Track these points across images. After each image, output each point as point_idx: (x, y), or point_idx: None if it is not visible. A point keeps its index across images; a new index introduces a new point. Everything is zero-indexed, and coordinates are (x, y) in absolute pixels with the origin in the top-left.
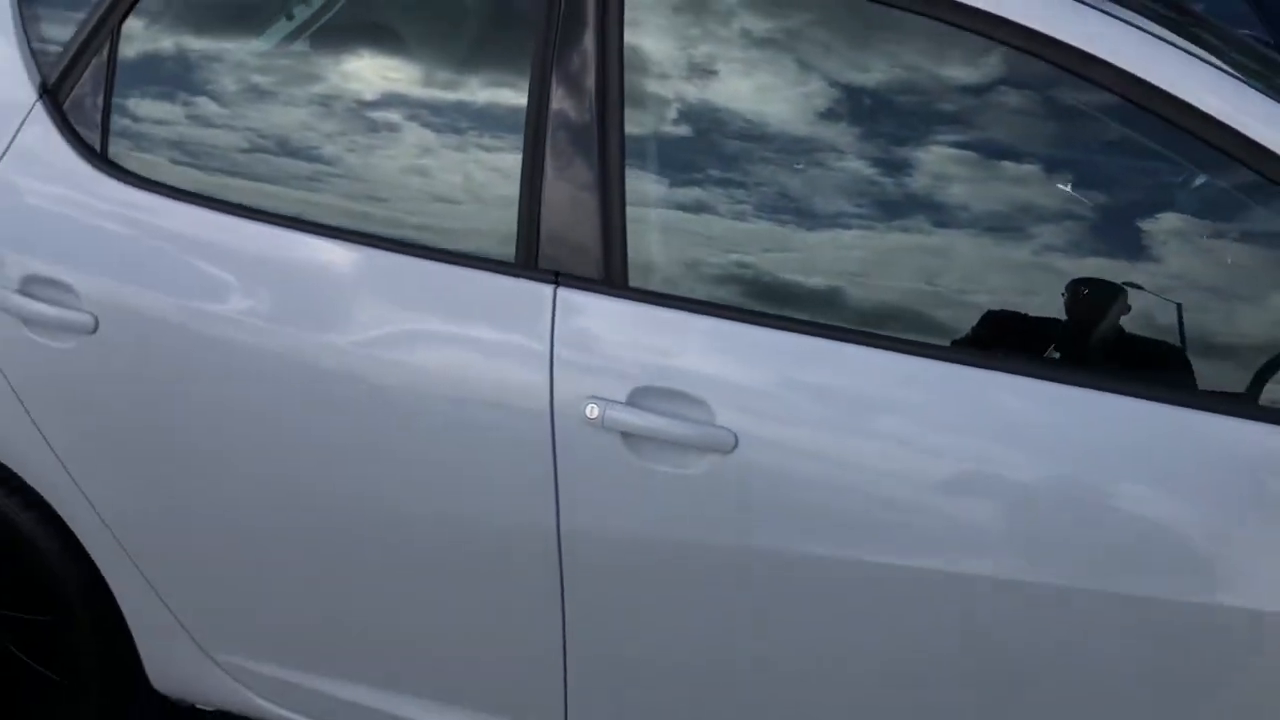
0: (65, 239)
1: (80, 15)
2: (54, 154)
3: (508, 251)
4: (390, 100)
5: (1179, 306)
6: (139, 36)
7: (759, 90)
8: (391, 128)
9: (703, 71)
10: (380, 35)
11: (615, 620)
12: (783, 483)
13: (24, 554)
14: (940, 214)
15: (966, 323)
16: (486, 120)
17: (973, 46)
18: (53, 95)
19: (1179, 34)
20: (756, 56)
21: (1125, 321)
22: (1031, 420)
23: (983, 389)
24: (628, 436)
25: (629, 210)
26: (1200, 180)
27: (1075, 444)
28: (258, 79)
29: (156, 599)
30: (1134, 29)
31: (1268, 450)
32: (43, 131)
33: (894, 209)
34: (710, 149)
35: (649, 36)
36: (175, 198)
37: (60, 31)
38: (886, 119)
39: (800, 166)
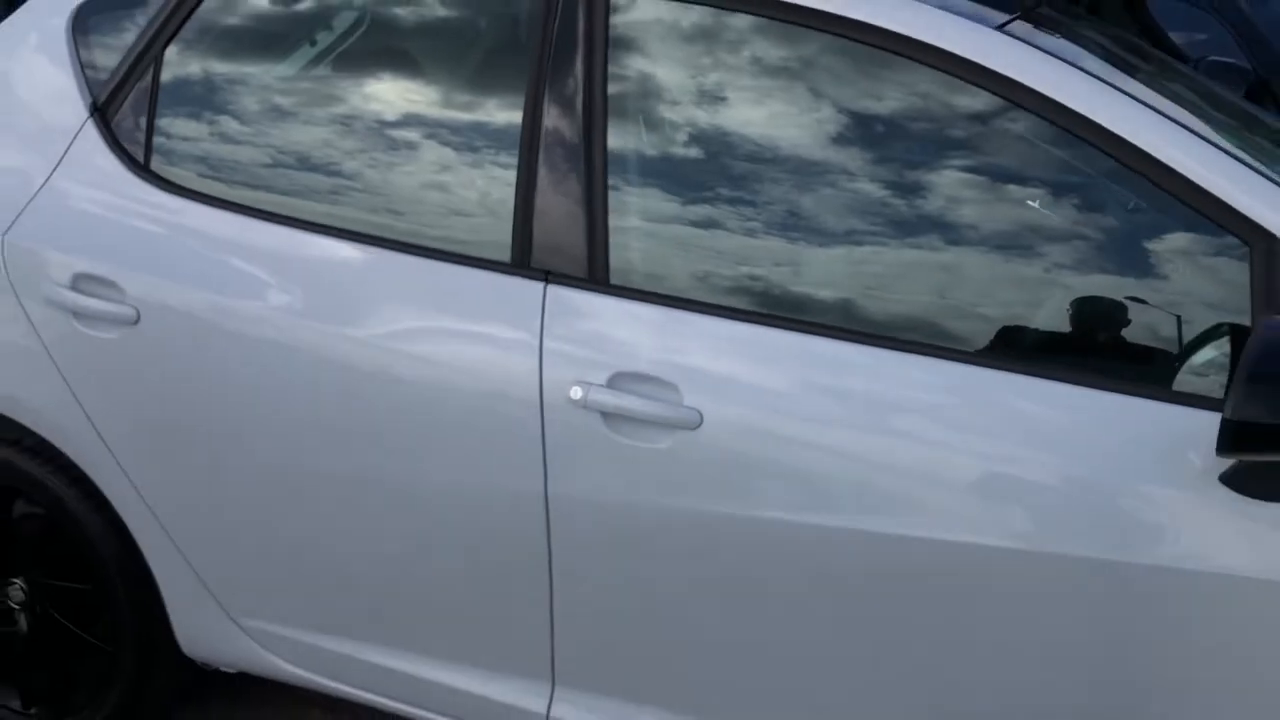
0: (111, 241)
1: (126, 43)
2: (102, 165)
3: (504, 253)
4: (401, 118)
5: (1115, 304)
6: (179, 62)
7: (726, 111)
8: (402, 143)
9: (677, 97)
10: (394, 59)
11: (595, 578)
12: (741, 456)
13: (68, 528)
14: (865, 215)
15: (897, 310)
16: (487, 137)
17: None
18: (102, 114)
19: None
20: (725, 82)
21: (1057, 318)
22: (965, 401)
23: (913, 370)
24: (607, 415)
25: (610, 217)
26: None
27: (1015, 421)
28: (283, 100)
29: (187, 568)
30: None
31: (1183, 429)
32: (92, 146)
33: (830, 213)
34: (683, 164)
35: (630, 65)
36: (209, 204)
37: (108, 58)
38: (825, 134)
39: (762, 182)
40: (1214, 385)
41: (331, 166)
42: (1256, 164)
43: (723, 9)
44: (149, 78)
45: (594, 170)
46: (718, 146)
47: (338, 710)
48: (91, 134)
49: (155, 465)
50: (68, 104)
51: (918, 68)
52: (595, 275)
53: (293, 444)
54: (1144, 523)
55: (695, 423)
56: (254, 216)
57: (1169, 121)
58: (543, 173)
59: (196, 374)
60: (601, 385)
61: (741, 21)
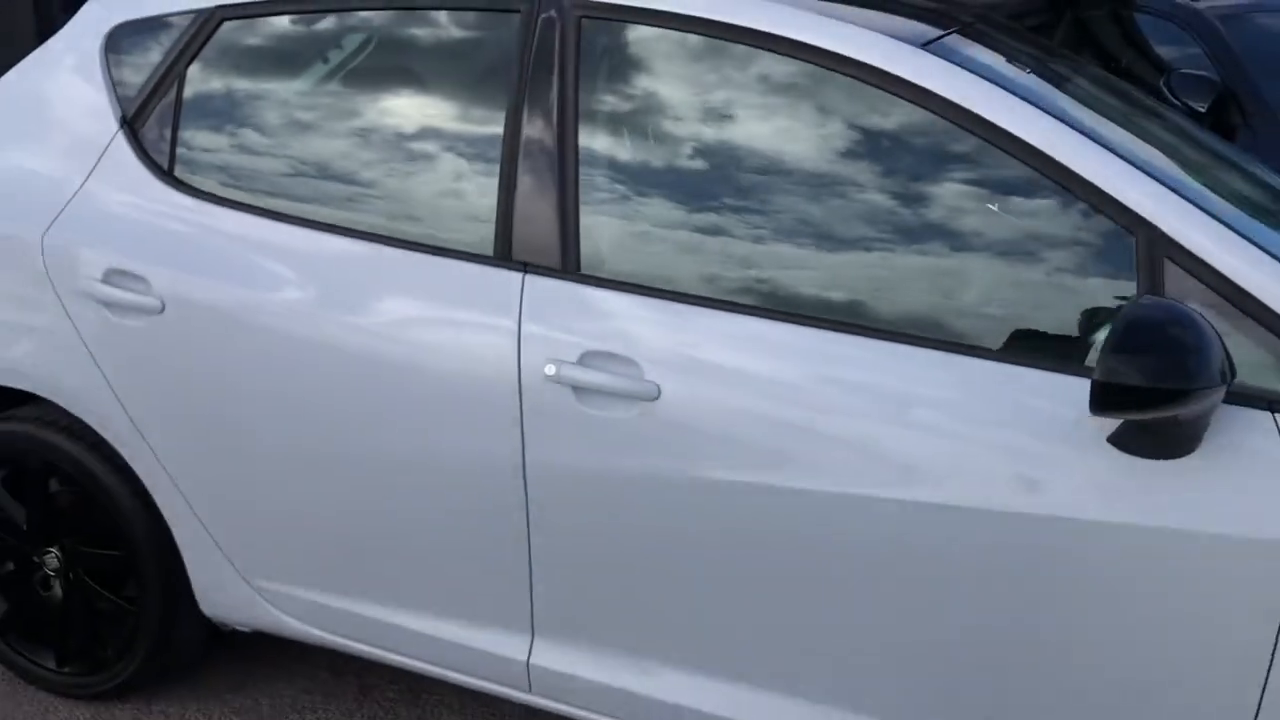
0: (139, 240)
1: (153, 63)
2: (131, 172)
3: (487, 248)
4: (399, 131)
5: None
6: (200, 80)
7: (681, 123)
8: (400, 153)
9: (639, 109)
10: (393, 78)
11: (569, 537)
12: (694, 424)
13: (100, 500)
14: (795, 209)
15: (830, 295)
16: (473, 146)
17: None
18: (130, 126)
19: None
20: (680, 97)
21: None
22: (893, 378)
23: (842, 348)
24: (577, 389)
25: (581, 215)
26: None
27: (943, 395)
28: (297, 112)
29: (207, 535)
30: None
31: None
32: (122, 155)
33: (769, 209)
34: (644, 168)
35: (597, 83)
36: (227, 206)
37: (136, 76)
38: (764, 140)
39: (713, 183)
40: None
41: (336, 173)
42: (1155, 163)
43: (676, 31)
44: (173, 94)
45: (566, 174)
46: (674, 152)
47: (342, 672)
48: (121, 144)
49: (178, 442)
50: (100, 118)
51: (849, 81)
52: (568, 266)
53: (299, 422)
54: (1048, 478)
55: (654, 395)
56: (267, 217)
57: (1067, 127)
58: (522, 177)
59: (214, 358)
60: (572, 363)
61: (694, 42)
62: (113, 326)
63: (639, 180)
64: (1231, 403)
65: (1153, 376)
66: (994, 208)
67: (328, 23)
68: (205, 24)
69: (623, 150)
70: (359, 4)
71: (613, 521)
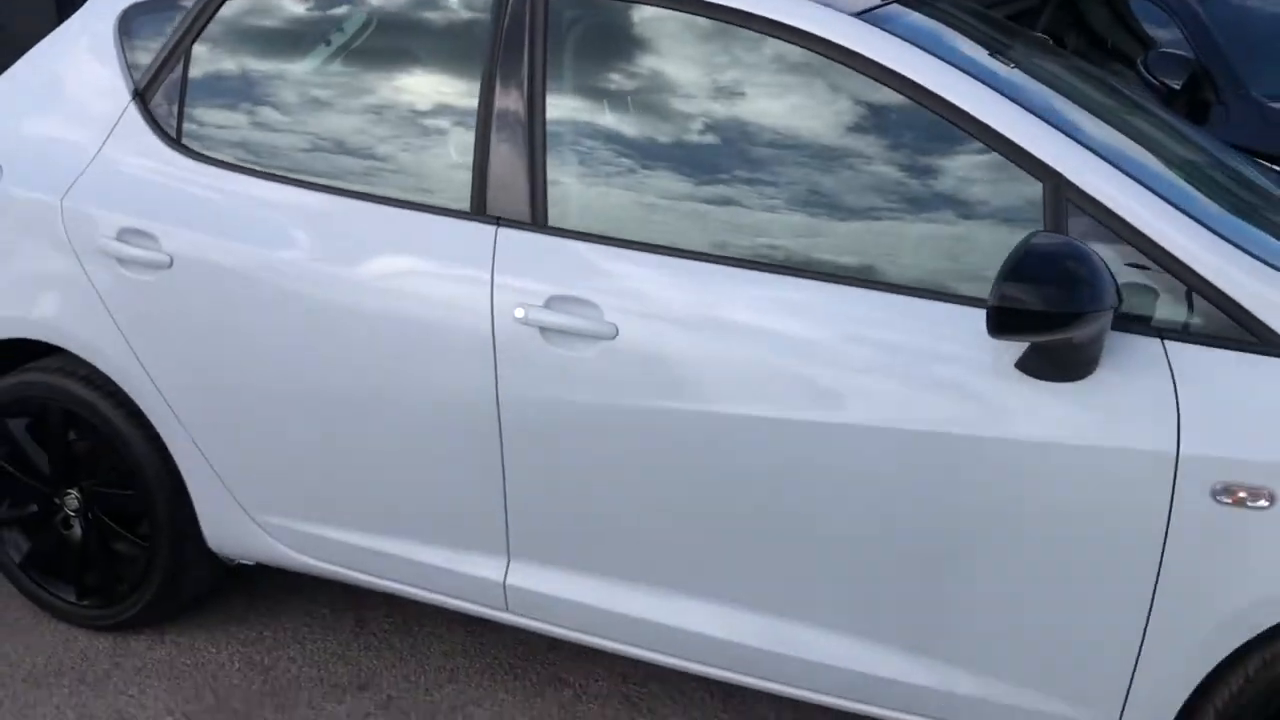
0: (149, 200)
1: (161, 41)
2: (142, 139)
3: (465, 204)
4: (388, 97)
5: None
6: (204, 56)
7: (642, 89)
8: (385, 118)
9: (602, 77)
10: (386, 51)
11: (540, 465)
12: (649, 359)
13: (115, 443)
14: (736, 165)
15: (763, 243)
16: (451, 112)
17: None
18: (141, 97)
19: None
20: (641, 64)
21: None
22: (825, 314)
23: (773, 288)
24: (544, 330)
25: (549, 173)
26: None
27: (866, 330)
28: (294, 84)
29: (212, 474)
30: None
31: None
32: (134, 123)
33: (714, 168)
34: (607, 131)
35: (564, 53)
36: (229, 169)
37: (146, 53)
38: (712, 105)
39: (669, 143)
40: None
41: (329, 139)
42: (1071, 120)
43: (632, 4)
44: (179, 69)
45: (535, 137)
46: (636, 116)
47: (341, 608)
48: (133, 115)
49: (185, 385)
50: (114, 91)
51: (788, 47)
52: (536, 219)
53: (296, 365)
54: (967, 401)
55: (612, 334)
56: (266, 179)
57: (987, 87)
58: (495, 139)
59: (217, 308)
60: (540, 306)
61: (649, 13)
62: (126, 281)
63: (601, 141)
64: (1125, 331)
65: (1046, 302)
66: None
67: (321, 1)
68: (209, 4)
69: (586, 114)
70: None
71: (577, 450)
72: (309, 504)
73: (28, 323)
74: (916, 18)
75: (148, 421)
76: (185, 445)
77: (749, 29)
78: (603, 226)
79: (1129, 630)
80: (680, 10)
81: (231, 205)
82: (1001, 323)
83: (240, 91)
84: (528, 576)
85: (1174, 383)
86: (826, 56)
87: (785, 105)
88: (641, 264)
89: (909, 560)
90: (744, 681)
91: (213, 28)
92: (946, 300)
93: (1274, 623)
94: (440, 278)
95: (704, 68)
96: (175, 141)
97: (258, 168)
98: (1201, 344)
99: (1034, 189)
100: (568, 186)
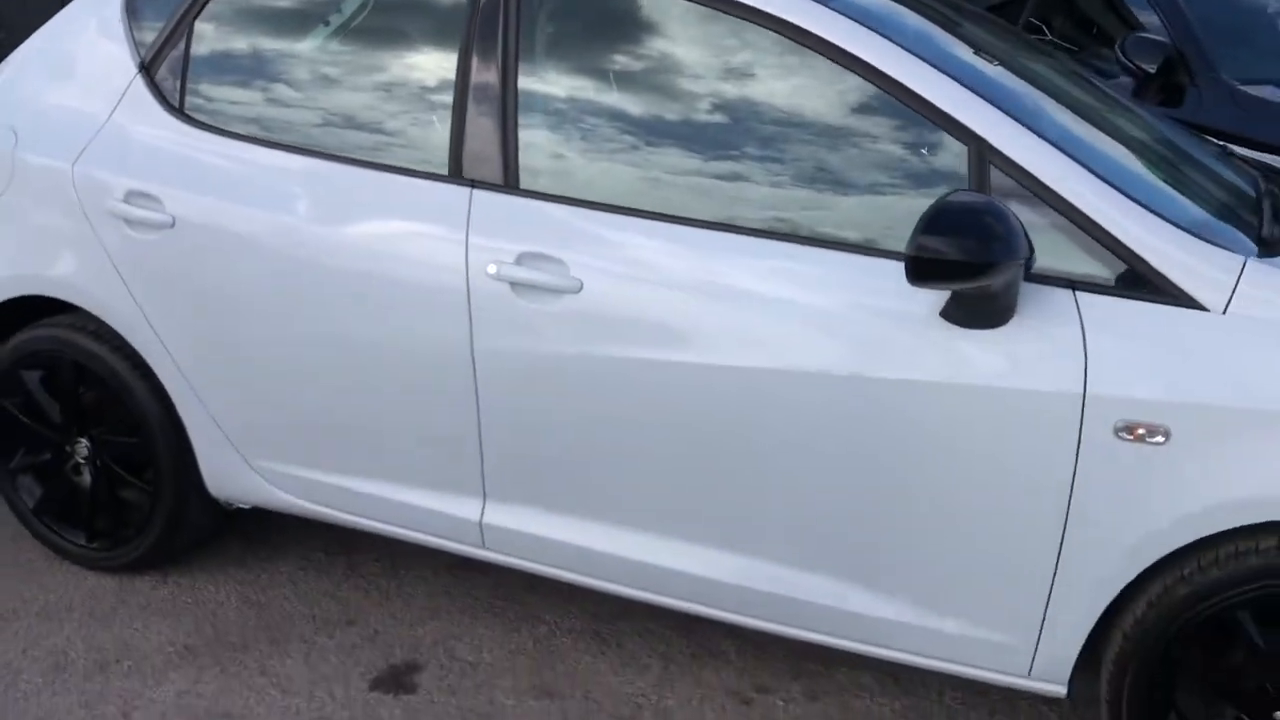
0: (154, 165)
1: (165, 18)
2: (148, 109)
3: (443, 168)
4: (375, 70)
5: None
6: (205, 31)
7: (607, 63)
8: (370, 88)
9: (570, 51)
10: (375, 30)
11: (512, 411)
12: (609, 311)
13: (121, 393)
14: (684, 133)
15: (719, 206)
16: (432, 84)
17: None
18: (147, 70)
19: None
20: (607, 41)
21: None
22: (762, 264)
23: (717, 245)
24: (515, 285)
25: (520, 138)
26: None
27: (799, 282)
28: (289, 58)
29: (212, 421)
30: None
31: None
32: (140, 94)
33: (669, 135)
34: (574, 100)
35: (535, 29)
36: (229, 137)
37: (151, 29)
38: (669, 78)
39: (631, 113)
40: None
41: (320, 109)
42: (999, 88)
43: None
44: (183, 44)
45: (508, 105)
46: (600, 87)
47: (334, 553)
48: (139, 86)
49: (186, 337)
50: (122, 66)
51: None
52: (509, 182)
53: (288, 318)
54: (894, 348)
55: (577, 289)
56: (264, 146)
57: (919, 59)
58: (471, 108)
59: (216, 265)
60: (510, 263)
61: None
62: (132, 241)
63: (571, 109)
64: (1040, 283)
65: (964, 252)
66: (925, 152)
67: None
68: None
69: (555, 86)
70: None
71: (546, 396)
72: (300, 449)
73: (41, 280)
74: None
75: (152, 373)
76: (186, 395)
77: (695, 1)
78: (571, 188)
79: (1043, 559)
80: None
81: (230, 170)
82: (919, 272)
83: (239, 65)
84: (503, 515)
85: (1083, 330)
86: (762, 26)
87: (722, 69)
88: (605, 224)
89: (846, 497)
90: (703, 612)
91: (213, 6)
92: (875, 255)
93: (1171, 550)
94: (420, 236)
95: (662, 40)
96: (179, 111)
97: (256, 135)
98: (1109, 295)
99: (960, 151)
100: (538, 151)
